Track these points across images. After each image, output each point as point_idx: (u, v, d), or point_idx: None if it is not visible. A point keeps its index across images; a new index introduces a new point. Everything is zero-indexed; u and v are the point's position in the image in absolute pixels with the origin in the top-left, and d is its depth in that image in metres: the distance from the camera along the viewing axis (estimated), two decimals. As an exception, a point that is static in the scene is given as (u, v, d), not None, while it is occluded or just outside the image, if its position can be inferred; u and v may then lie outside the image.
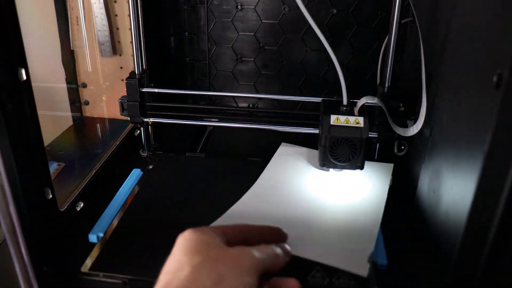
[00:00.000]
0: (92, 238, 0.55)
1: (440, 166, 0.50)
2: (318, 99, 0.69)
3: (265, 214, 0.57)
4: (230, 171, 0.69)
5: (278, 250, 0.41)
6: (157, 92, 0.75)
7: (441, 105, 0.53)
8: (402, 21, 0.72)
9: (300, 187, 0.63)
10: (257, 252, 0.39)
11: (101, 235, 0.55)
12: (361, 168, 0.64)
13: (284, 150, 0.73)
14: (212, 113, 0.78)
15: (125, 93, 0.73)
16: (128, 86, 0.72)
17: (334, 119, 0.63)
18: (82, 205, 0.60)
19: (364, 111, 0.64)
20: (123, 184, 0.66)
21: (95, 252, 0.53)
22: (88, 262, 0.51)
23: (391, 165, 0.69)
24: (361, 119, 0.62)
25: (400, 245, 0.57)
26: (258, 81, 0.90)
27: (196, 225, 0.54)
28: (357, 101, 0.65)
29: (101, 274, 0.50)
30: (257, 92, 0.91)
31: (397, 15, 0.63)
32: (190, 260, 0.36)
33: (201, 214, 0.59)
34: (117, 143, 0.75)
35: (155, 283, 0.36)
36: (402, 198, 0.65)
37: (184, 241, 0.38)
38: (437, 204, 0.50)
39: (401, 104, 0.67)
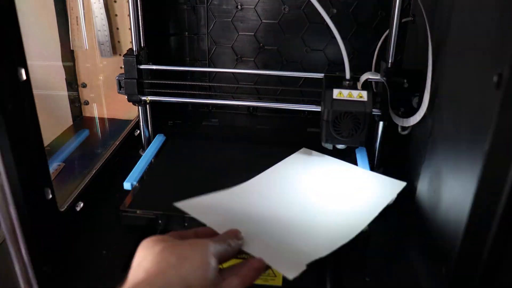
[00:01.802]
0: (127, 185, 0.65)
1: (440, 166, 0.50)
2: (321, 75, 0.67)
3: (235, 205, 0.56)
4: (245, 136, 0.77)
5: (231, 241, 0.44)
6: (155, 69, 0.73)
7: (441, 105, 0.53)
8: (402, 21, 0.72)
9: (292, 190, 0.61)
10: (211, 241, 0.41)
11: (135, 183, 0.65)
12: (363, 144, 0.62)
13: (301, 153, 0.71)
14: (213, 90, 0.75)
15: (125, 93, 0.73)
16: (126, 62, 0.69)
17: (337, 93, 0.60)
18: (82, 205, 0.60)
19: (368, 85, 0.62)
20: (149, 147, 0.76)
21: (130, 196, 0.62)
22: (126, 202, 0.60)
23: (403, 184, 0.61)
24: (364, 93, 0.60)
25: (400, 245, 0.57)
26: (258, 81, 0.90)
27: (210, 176, 0.66)
28: (359, 77, 0.63)
29: (137, 211, 0.59)
30: (257, 92, 0.91)
31: (397, 15, 0.63)
32: (152, 251, 0.38)
33: (217, 167, 0.69)
34: (117, 143, 0.75)
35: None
36: (402, 198, 0.65)
37: (143, 243, 0.40)
38: (437, 204, 0.50)
39: (405, 81, 0.64)
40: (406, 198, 0.64)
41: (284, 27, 0.85)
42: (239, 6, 0.84)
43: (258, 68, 0.89)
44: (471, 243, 0.38)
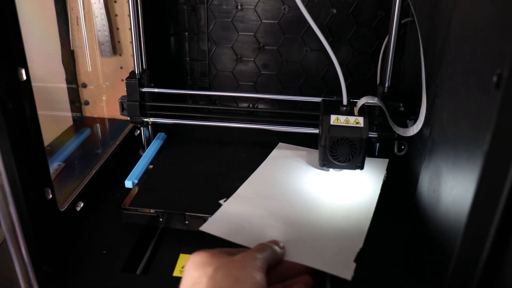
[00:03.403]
0: (128, 184, 0.66)
1: (440, 166, 0.50)
2: (318, 99, 0.69)
3: (255, 215, 0.57)
4: (245, 135, 0.79)
5: (275, 247, 0.47)
6: (157, 92, 0.75)
7: (441, 105, 0.53)
8: (402, 21, 0.72)
9: (293, 187, 0.64)
10: (257, 252, 0.43)
11: (136, 181, 0.66)
12: (361, 168, 0.64)
13: (280, 150, 0.74)
14: (212, 113, 0.78)
15: (125, 93, 0.73)
16: (128, 86, 0.72)
17: (334, 119, 0.63)
18: (82, 205, 0.60)
19: (364, 111, 0.64)
20: (151, 145, 0.77)
21: (131, 194, 0.63)
22: (127, 201, 0.61)
23: (386, 161, 0.70)
24: (361, 119, 0.62)
25: (400, 244, 0.57)
26: (258, 81, 0.90)
27: (210, 174, 0.68)
28: (357, 101, 0.65)
29: (138, 209, 0.60)
30: (257, 92, 0.91)
31: (397, 15, 0.63)
32: (204, 272, 0.39)
33: (217, 167, 0.70)
34: (117, 143, 0.75)
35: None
36: (402, 198, 0.65)
37: (193, 260, 0.41)
38: (437, 204, 0.50)
39: (401, 104, 0.67)
40: (406, 198, 0.64)
41: (284, 27, 0.85)
42: (239, 6, 0.84)
43: (258, 68, 0.89)
44: (471, 243, 0.38)
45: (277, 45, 0.86)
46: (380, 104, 0.65)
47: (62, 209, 0.56)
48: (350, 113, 0.63)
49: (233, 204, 0.60)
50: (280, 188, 0.63)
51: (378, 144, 0.72)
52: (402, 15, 0.64)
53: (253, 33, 0.86)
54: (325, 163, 0.65)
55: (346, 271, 0.47)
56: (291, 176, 0.66)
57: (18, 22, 0.43)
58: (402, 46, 0.80)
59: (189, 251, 0.55)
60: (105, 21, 0.81)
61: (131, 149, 0.78)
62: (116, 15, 0.82)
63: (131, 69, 0.74)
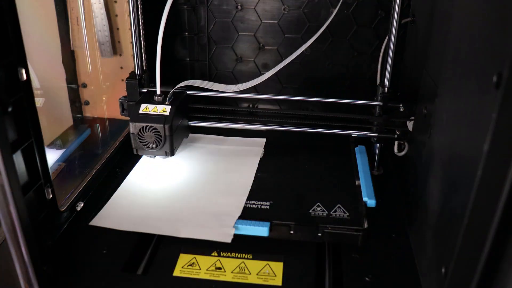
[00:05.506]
0: None
1: (440, 166, 0.50)
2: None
3: (143, 202, 0.62)
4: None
5: None
6: None
7: (441, 105, 0.53)
8: (402, 21, 0.72)
9: (176, 172, 0.69)
10: None
11: None
12: (171, 154, 0.68)
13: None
14: (213, 113, 0.78)
15: (125, 93, 0.73)
16: (128, 86, 0.72)
17: (144, 108, 0.67)
18: (82, 205, 0.60)
19: (179, 100, 0.69)
20: None
21: None
22: None
23: (264, 140, 0.77)
24: (168, 108, 0.66)
25: (399, 244, 0.57)
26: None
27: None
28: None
29: None
30: (257, 92, 0.91)
31: (397, 15, 0.63)
32: None
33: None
34: (117, 143, 0.75)
35: None
36: (403, 198, 0.65)
37: None
38: (437, 205, 0.50)
39: (401, 105, 0.67)
40: (405, 198, 0.64)
41: (284, 27, 0.85)
42: (239, 6, 0.84)
43: (258, 69, 0.89)
44: (471, 243, 0.38)
45: (277, 45, 0.86)
46: (197, 85, 0.70)
47: (62, 209, 0.56)
48: (162, 102, 0.67)
49: (120, 195, 0.63)
50: (163, 174, 0.68)
51: (378, 144, 0.72)
52: (402, 15, 0.64)
53: (253, 33, 0.86)
54: (138, 149, 0.68)
55: (226, 236, 0.54)
56: (173, 162, 0.71)
57: (18, 22, 0.43)
58: (402, 46, 0.80)
59: (189, 251, 0.55)
60: (105, 21, 0.81)
61: (131, 149, 0.78)
62: (116, 15, 0.82)
63: (131, 69, 0.74)
